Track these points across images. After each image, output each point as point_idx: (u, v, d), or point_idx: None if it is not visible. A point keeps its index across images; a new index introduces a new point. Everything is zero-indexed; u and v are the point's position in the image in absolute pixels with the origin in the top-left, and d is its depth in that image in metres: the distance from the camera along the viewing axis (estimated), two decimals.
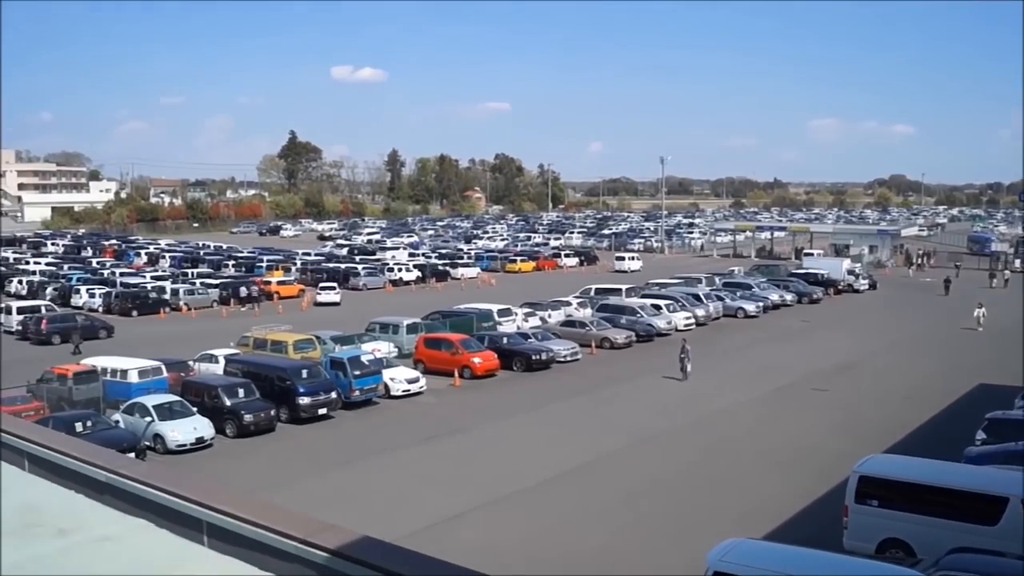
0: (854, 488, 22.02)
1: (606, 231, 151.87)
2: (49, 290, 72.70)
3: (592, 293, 67.66)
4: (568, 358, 48.80)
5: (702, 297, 65.37)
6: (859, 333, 59.04)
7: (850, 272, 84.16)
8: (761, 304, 68.43)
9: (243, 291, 73.96)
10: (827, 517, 23.90)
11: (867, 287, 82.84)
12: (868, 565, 17.99)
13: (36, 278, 79.01)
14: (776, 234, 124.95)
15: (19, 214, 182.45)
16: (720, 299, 66.97)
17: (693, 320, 60.89)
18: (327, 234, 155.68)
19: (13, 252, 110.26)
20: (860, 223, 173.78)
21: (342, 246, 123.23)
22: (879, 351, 52.41)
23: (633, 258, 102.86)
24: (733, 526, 22.31)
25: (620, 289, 68.55)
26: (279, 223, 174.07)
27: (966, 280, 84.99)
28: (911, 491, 21.22)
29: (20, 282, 76.87)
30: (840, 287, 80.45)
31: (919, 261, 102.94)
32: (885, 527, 21.35)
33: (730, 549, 17.55)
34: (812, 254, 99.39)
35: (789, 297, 72.77)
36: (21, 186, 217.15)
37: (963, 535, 19.28)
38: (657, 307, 60.06)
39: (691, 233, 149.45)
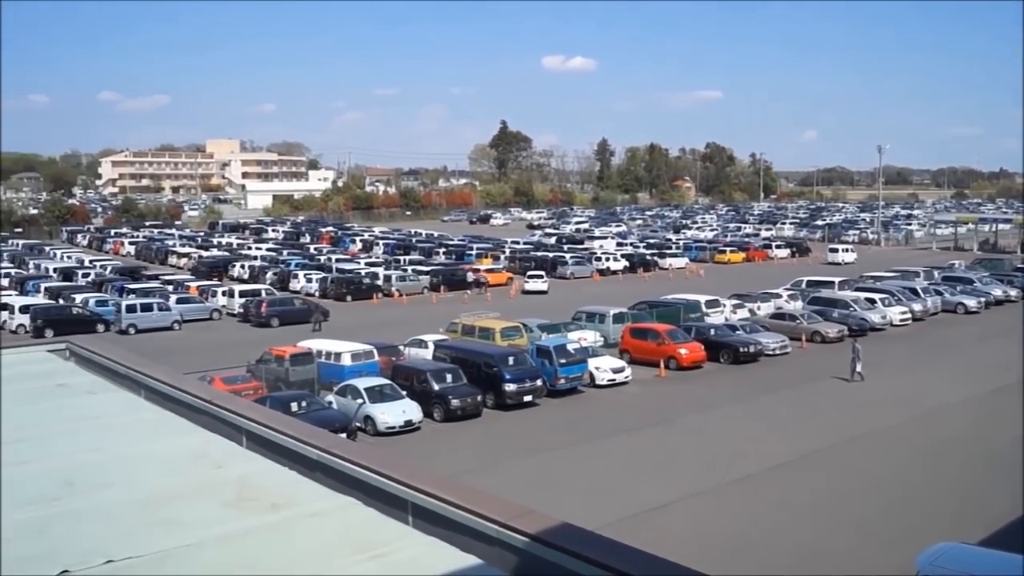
0: None
1: (819, 222, 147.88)
2: (269, 275, 75.68)
3: (803, 285, 66.15)
4: (777, 351, 47.92)
5: (919, 291, 63.02)
6: None
7: None
8: (983, 300, 65.50)
9: (471, 276, 75.77)
10: None
11: None
12: None
13: (257, 263, 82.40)
14: (1001, 226, 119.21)
15: (242, 201, 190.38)
16: (939, 294, 64.48)
17: (909, 315, 58.78)
18: (536, 223, 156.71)
19: (236, 238, 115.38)
20: None
21: (550, 235, 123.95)
22: None
23: (847, 250, 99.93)
24: (946, 530, 21.52)
25: (833, 282, 66.86)
26: (489, 211, 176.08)
27: None
28: None
29: (243, 266, 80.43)
30: None
31: None
32: None
33: (941, 554, 17.01)
34: None
35: (1014, 293, 69.39)
36: (245, 175, 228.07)
37: None
38: (871, 301, 58.30)
39: (909, 225, 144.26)
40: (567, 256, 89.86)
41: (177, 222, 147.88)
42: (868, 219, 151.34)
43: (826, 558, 22.63)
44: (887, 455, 31.54)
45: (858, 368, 41.60)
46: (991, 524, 24.20)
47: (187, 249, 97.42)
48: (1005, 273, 75.02)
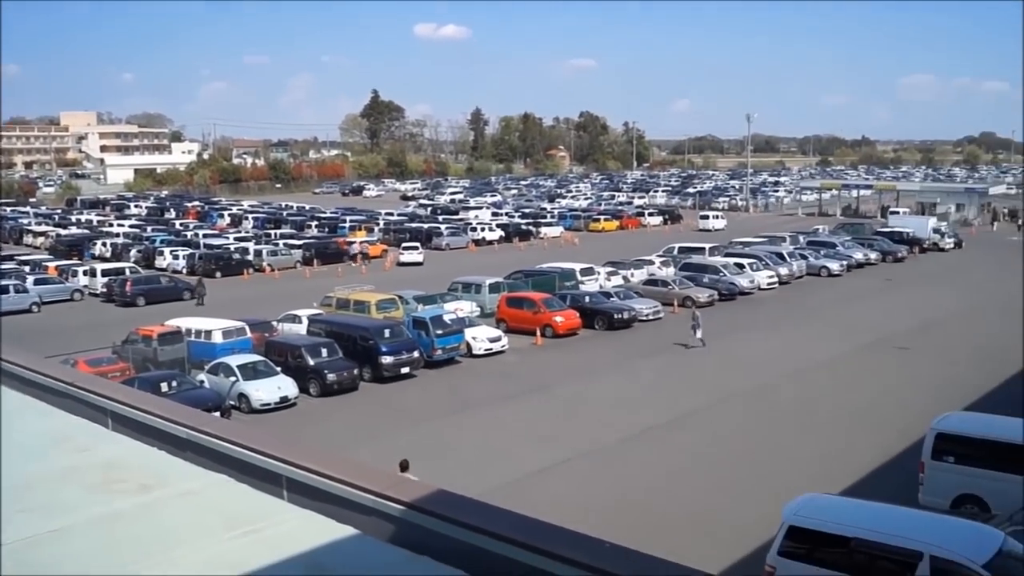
0: (931, 445, 22.00)
1: (690, 190, 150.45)
2: (133, 252, 73.67)
3: (675, 252, 67.28)
4: (650, 317, 48.71)
5: (786, 256, 64.69)
6: (943, 292, 58.02)
7: (936, 231, 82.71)
8: (845, 263, 67.62)
9: (355, 248, 75.54)
10: (904, 473, 23.81)
11: (952, 246, 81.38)
12: (943, 520, 17.87)
13: (120, 240, 79.97)
14: (862, 192, 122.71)
15: (102, 176, 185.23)
16: (804, 258, 66.32)
17: (776, 279, 60.33)
18: (410, 194, 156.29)
19: (97, 215, 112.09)
20: (948, 181, 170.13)
21: (425, 206, 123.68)
22: (962, 310, 51.51)
23: (717, 217, 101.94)
24: (811, 482, 22.22)
25: (703, 248, 68.16)
26: (362, 183, 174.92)
27: None
28: (988, 448, 21.11)
29: (104, 244, 77.76)
30: (925, 246, 79.20)
31: (1005, 219, 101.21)
32: (961, 483, 21.29)
33: (805, 504, 17.64)
34: (898, 212, 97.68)
35: (873, 256, 71.79)
36: (103, 148, 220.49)
37: None
38: (740, 266, 59.60)
39: (776, 191, 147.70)
40: (442, 227, 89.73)
41: (32, 199, 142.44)
42: (737, 186, 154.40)
43: (701, 513, 23.22)
44: (758, 413, 32.42)
45: (698, 335, 42.09)
46: (852, 475, 25.17)
47: (43, 228, 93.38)
48: (866, 237, 77.35)
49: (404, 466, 22.10)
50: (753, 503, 23.24)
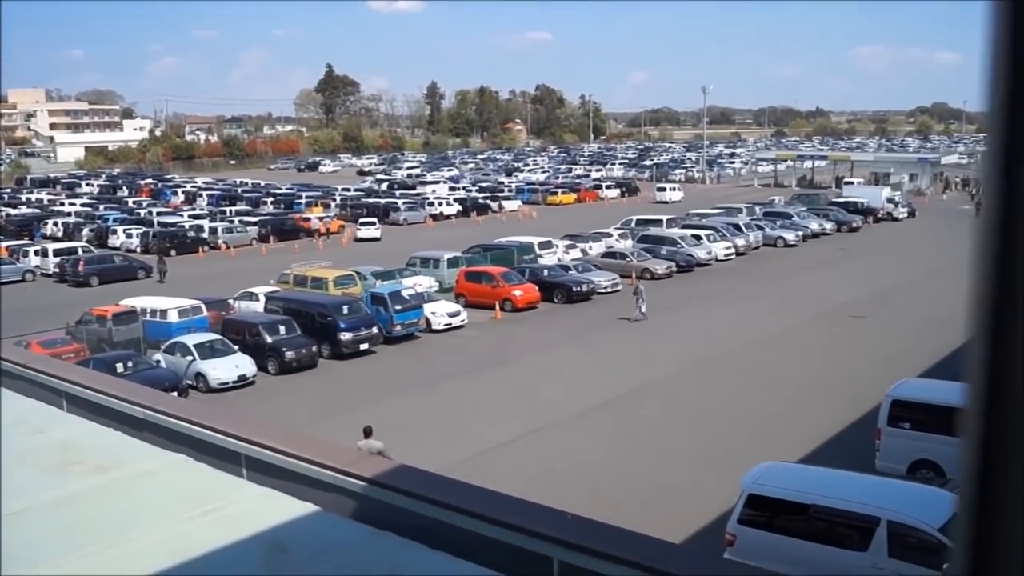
0: (887, 412, 22.33)
1: (647, 162, 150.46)
2: (85, 231, 72.76)
3: (633, 224, 67.45)
4: (609, 289, 48.81)
5: (742, 227, 65.04)
6: (897, 261, 58.59)
7: (889, 200, 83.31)
8: (800, 233, 68.06)
9: (316, 223, 75.23)
10: (861, 441, 24.09)
11: (906, 215, 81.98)
12: (899, 486, 18.17)
13: (72, 219, 79.07)
14: (817, 163, 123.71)
15: (52, 155, 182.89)
16: (760, 228, 66.72)
17: (733, 250, 60.69)
18: (366, 169, 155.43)
19: (47, 193, 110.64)
20: (901, 151, 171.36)
21: (382, 181, 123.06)
22: (916, 278, 52.01)
23: (674, 189, 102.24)
24: (770, 451, 22.41)
25: (661, 220, 68.39)
26: (317, 159, 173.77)
27: None
28: (942, 414, 21.31)
29: (56, 224, 76.85)
30: (879, 215, 79.70)
31: (957, 188, 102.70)
32: (916, 449, 21.59)
33: (764, 472, 17.85)
34: (852, 183, 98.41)
35: (828, 226, 72.26)
36: (53, 126, 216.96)
37: None
38: (697, 237, 59.85)
39: (732, 163, 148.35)
40: (399, 202, 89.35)
41: None
42: (694, 158, 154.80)
43: (660, 482, 23.39)
44: (717, 383, 32.63)
45: (642, 309, 42.02)
46: (810, 443, 25.46)
47: None
48: (821, 208, 77.98)
49: (368, 432, 22.43)
50: (712, 473, 23.43)
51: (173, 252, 65.63)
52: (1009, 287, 1.36)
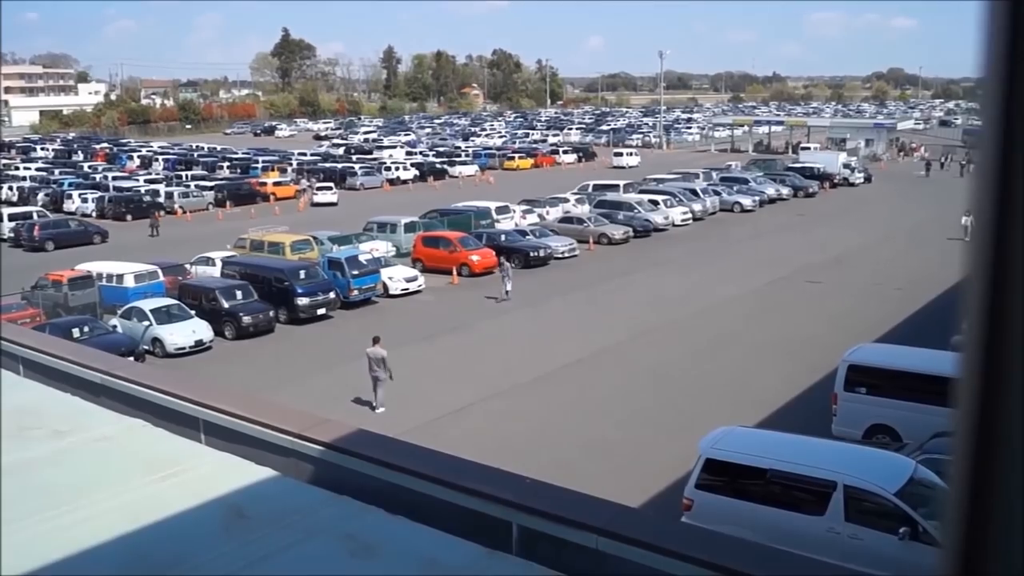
0: (843, 376, 22.49)
1: (604, 127, 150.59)
2: (40, 196, 71.84)
3: (590, 189, 67.51)
4: (566, 254, 48.91)
5: (699, 192, 65.24)
6: (853, 226, 59.02)
7: (846, 166, 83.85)
8: (757, 198, 68.45)
9: (303, 185, 75.66)
10: (817, 405, 24.28)
11: (862, 180, 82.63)
12: (855, 450, 18.39)
13: (27, 184, 77.73)
14: (774, 128, 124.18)
15: (5, 119, 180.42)
16: (717, 194, 66.97)
17: (690, 215, 60.95)
18: (323, 134, 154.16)
19: (2, 158, 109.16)
20: (857, 117, 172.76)
21: (338, 145, 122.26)
22: (872, 244, 52.53)
23: (631, 154, 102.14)
24: (727, 416, 22.60)
25: (618, 185, 68.37)
26: (274, 123, 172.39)
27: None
28: (898, 378, 21.61)
29: (11, 188, 75.57)
30: (836, 181, 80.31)
31: (909, 153, 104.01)
32: (872, 413, 21.84)
33: (721, 437, 17.96)
34: (809, 148, 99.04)
35: (785, 191, 72.69)
36: (7, 90, 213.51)
37: (947, 420, 19.44)
38: (654, 202, 59.99)
39: (689, 128, 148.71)
40: (356, 167, 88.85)
41: None
42: (651, 124, 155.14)
43: (618, 447, 23.53)
44: (673, 349, 32.84)
45: (507, 287, 40.88)
46: (767, 408, 25.70)
47: None
48: (778, 173, 78.28)
49: (376, 340, 26.83)
50: (670, 437, 23.61)
51: (128, 217, 65.09)
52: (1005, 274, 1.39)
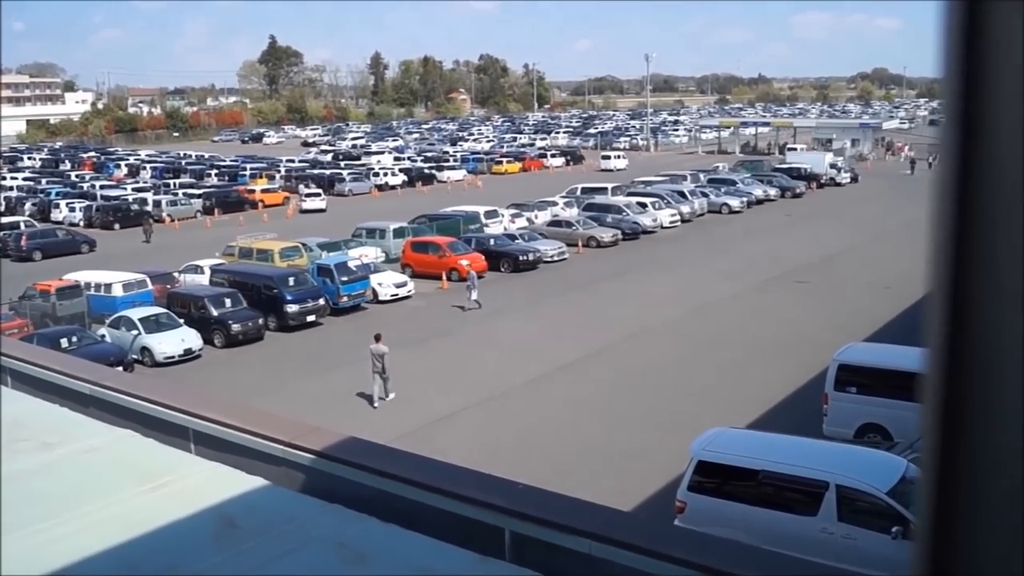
0: (834, 376, 22.50)
1: (592, 130, 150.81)
2: (28, 205, 71.60)
3: (578, 193, 67.51)
4: (555, 258, 48.90)
5: (687, 194, 65.36)
6: (841, 226, 59.18)
7: (832, 166, 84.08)
8: (745, 199, 68.54)
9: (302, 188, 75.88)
10: (808, 405, 24.30)
11: (849, 180, 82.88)
12: (847, 450, 18.40)
13: (14, 193, 77.65)
14: (760, 130, 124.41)
15: None
16: (705, 195, 67.06)
17: (678, 217, 61.03)
18: (311, 140, 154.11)
19: None
20: (843, 117, 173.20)
21: (326, 152, 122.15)
22: (860, 243, 52.65)
23: (619, 157, 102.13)
24: (719, 417, 22.60)
25: (606, 188, 68.44)
26: (261, 130, 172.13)
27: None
28: (888, 377, 21.57)
29: None
30: (822, 181, 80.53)
31: (896, 152, 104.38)
32: (863, 413, 21.85)
33: (713, 438, 17.95)
34: (795, 149, 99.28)
35: (772, 192, 72.88)
36: None
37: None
38: (643, 205, 60.05)
39: (676, 130, 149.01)
40: (344, 173, 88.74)
41: None
42: (638, 126, 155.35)
43: (610, 450, 23.53)
44: (665, 350, 32.89)
45: (473, 296, 40.03)
46: (758, 408, 25.71)
47: None
48: (765, 174, 78.44)
49: (378, 338, 27.62)
50: (662, 439, 23.62)
51: (116, 226, 65.00)
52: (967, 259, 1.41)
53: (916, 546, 1.52)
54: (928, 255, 1.50)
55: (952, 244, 1.43)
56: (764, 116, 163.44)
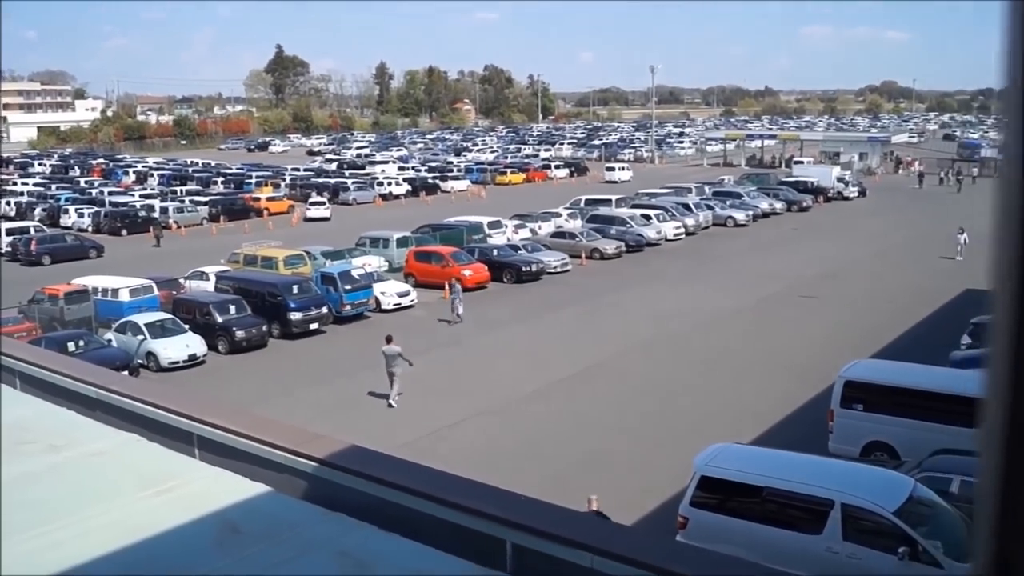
0: (839, 393, 22.29)
1: (596, 142, 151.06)
2: (38, 211, 72.38)
3: (582, 204, 67.44)
4: (558, 269, 48.89)
5: (692, 206, 65.23)
6: (847, 240, 59.08)
7: (840, 180, 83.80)
8: (751, 213, 68.37)
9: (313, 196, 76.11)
10: (813, 422, 24.18)
11: (856, 194, 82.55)
12: (853, 468, 18.25)
13: (24, 199, 78.31)
14: (766, 142, 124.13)
15: (4, 135, 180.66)
16: (710, 208, 66.93)
17: (683, 230, 60.94)
18: (316, 149, 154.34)
19: (0, 173, 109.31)
20: (850, 130, 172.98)
21: (331, 161, 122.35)
22: (867, 258, 52.55)
23: (623, 168, 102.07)
24: (722, 432, 22.55)
25: (610, 200, 68.39)
26: (267, 139, 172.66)
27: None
28: (895, 395, 21.46)
29: (8, 203, 76.20)
30: (830, 195, 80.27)
31: (906, 167, 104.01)
32: (869, 430, 21.66)
33: (717, 454, 17.80)
34: (802, 162, 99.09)
35: (779, 205, 72.63)
36: (6, 106, 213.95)
37: (946, 437, 19.44)
38: (647, 217, 60.00)
39: (681, 143, 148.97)
40: (349, 182, 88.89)
41: None
42: (642, 138, 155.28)
43: (612, 463, 23.47)
44: (669, 363, 32.83)
45: (459, 310, 39.91)
46: (763, 424, 25.63)
47: None
48: (771, 187, 78.19)
49: (389, 339, 28.66)
50: (665, 454, 23.59)
51: (124, 231, 65.44)
52: None
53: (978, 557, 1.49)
54: (991, 268, 1.47)
55: (1018, 258, 1.39)
56: (770, 129, 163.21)
